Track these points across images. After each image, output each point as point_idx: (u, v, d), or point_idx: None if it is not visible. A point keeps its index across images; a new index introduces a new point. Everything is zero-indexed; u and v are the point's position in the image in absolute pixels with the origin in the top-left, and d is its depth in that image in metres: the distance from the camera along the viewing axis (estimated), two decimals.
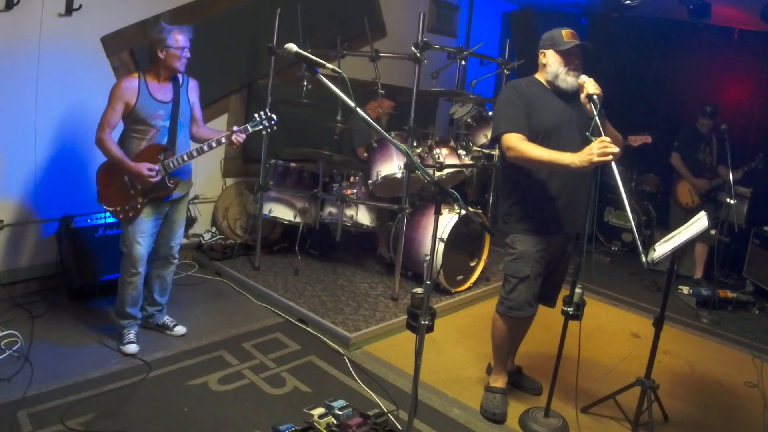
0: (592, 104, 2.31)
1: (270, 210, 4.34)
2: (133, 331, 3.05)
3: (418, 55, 3.68)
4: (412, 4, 5.96)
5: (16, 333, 2.94)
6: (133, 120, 2.85)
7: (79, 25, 3.55)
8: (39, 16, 3.39)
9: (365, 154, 4.29)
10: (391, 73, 5.10)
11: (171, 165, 2.90)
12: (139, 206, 2.90)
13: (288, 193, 4.37)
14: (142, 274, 3.03)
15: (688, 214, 4.51)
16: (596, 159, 2.16)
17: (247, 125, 3.03)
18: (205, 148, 2.94)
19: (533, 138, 2.45)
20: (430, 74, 4.67)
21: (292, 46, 1.89)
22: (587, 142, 2.24)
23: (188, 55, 2.88)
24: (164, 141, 2.92)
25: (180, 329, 3.25)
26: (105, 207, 2.95)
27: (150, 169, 2.84)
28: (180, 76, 2.97)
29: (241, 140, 2.97)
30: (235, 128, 2.98)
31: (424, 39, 3.73)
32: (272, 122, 3.07)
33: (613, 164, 2.17)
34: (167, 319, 3.28)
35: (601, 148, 2.15)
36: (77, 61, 3.59)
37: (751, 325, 4.27)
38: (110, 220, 3.64)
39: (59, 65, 3.52)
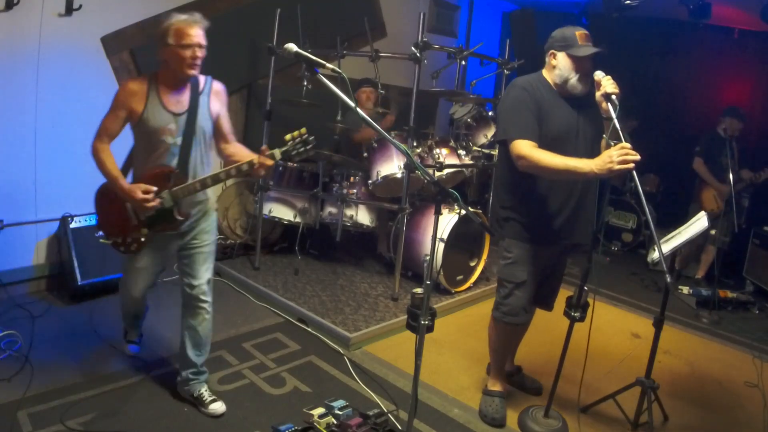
0: (610, 104, 2.09)
1: (270, 210, 4.34)
2: (133, 332, 3.04)
3: (418, 55, 3.68)
4: (412, 4, 5.95)
5: (16, 333, 2.94)
6: (139, 132, 2.35)
7: (79, 25, 3.55)
8: (39, 16, 3.38)
9: (365, 154, 4.28)
10: (391, 73, 5.10)
11: (180, 194, 2.35)
12: (143, 239, 2.41)
13: (288, 193, 4.37)
14: (144, 300, 2.74)
15: (713, 220, 4.38)
16: (617, 167, 1.97)
17: (274, 151, 2.34)
18: (222, 176, 2.38)
19: (539, 144, 2.28)
20: (430, 74, 4.67)
21: (292, 46, 1.90)
22: (594, 151, 2.07)
23: (201, 54, 2.30)
24: (174, 162, 2.35)
25: (218, 407, 2.51)
26: (104, 238, 2.50)
27: (146, 192, 2.28)
28: (201, 79, 2.41)
29: (266, 170, 2.35)
30: (263, 148, 2.35)
31: (424, 39, 3.73)
32: (307, 146, 2.35)
33: (634, 172, 1.97)
34: (204, 392, 2.55)
35: (622, 155, 1.96)
36: (77, 61, 3.59)
37: (751, 325, 4.27)
38: None
39: (59, 65, 3.52)
